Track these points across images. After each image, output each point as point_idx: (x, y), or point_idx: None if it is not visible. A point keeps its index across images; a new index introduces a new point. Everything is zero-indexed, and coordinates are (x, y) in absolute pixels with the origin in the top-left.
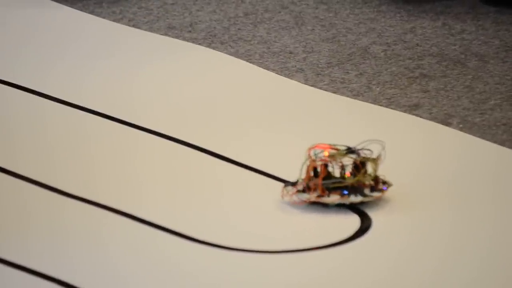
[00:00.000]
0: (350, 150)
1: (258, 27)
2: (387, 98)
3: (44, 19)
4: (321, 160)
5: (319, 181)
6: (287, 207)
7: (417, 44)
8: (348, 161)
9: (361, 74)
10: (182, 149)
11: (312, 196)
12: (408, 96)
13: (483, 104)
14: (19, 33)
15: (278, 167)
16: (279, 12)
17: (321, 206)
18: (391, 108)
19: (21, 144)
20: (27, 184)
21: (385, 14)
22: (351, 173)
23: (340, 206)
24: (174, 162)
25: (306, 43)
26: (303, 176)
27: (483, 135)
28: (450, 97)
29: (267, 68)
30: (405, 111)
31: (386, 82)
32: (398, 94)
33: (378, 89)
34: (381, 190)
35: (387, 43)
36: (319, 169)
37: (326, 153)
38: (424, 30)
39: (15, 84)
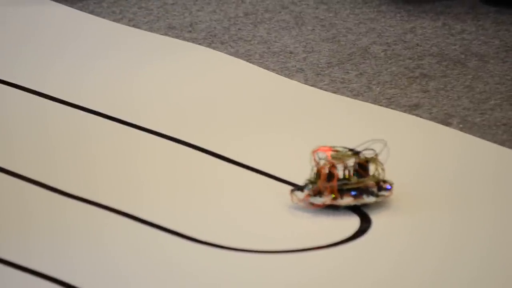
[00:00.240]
0: (355, 151)
1: (258, 27)
2: (387, 98)
3: (44, 19)
4: (330, 162)
5: (334, 183)
6: (287, 207)
7: (417, 44)
8: (351, 162)
9: (361, 74)
10: (183, 149)
11: (327, 200)
12: (408, 96)
13: (483, 104)
14: (19, 32)
15: (278, 167)
16: (279, 12)
17: (321, 206)
18: (391, 108)
19: (21, 144)
20: (28, 184)
21: (385, 14)
22: (354, 174)
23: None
24: (175, 162)
25: (306, 43)
26: (312, 179)
27: (483, 135)
28: (450, 97)
29: (267, 68)
30: (405, 111)
31: (386, 82)
32: (398, 94)
33: (378, 89)
34: (387, 189)
35: (387, 43)
36: (325, 172)
37: (332, 155)
38: (424, 30)
39: (15, 84)
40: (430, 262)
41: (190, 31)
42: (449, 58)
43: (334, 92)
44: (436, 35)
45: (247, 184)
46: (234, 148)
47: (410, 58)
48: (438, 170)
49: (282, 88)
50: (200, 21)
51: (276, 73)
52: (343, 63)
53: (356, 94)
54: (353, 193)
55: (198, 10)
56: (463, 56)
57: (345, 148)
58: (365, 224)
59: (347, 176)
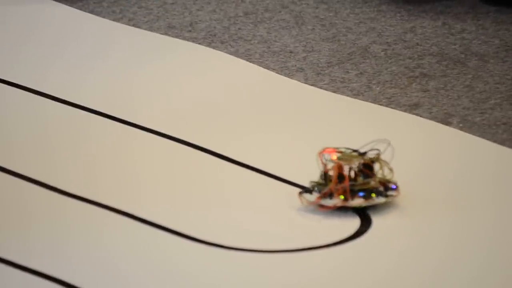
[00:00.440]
0: (359, 152)
1: (258, 26)
2: (387, 98)
3: (44, 18)
4: (339, 164)
5: (346, 184)
6: (287, 207)
7: (417, 44)
8: (356, 162)
9: (361, 73)
10: (182, 148)
11: (338, 201)
12: (408, 95)
13: (483, 104)
14: (19, 32)
15: (278, 167)
16: (279, 11)
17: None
18: (391, 108)
19: (21, 144)
20: (28, 183)
21: (385, 14)
22: (360, 175)
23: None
24: (174, 162)
25: (306, 43)
26: (319, 180)
27: (483, 135)
28: (450, 97)
29: (267, 68)
30: (405, 111)
31: (386, 81)
32: (398, 94)
33: (378, 88)
34: (393, 189)
35: (387, 42)
36: (332, 173)
37: (339, 157)
38: (424, 29)
39: (15, 84)
40: (430, 262)
41: (190, 31)
42: (449, 57)
43: (334, 92)
44: (436, 35)
45: (247, 184)
46: (234, 148)
47: (410, 58)
48: (438, 170)
49: (282, 88)
50: (200, 20)
51: (276, 73)
52: (343, 63)
53: (356, 94)
54: (361, 194)
55: (198, 10)
56: (463, 56)
57: (349, 149)
58: (365, 224)
59: (353, 177)
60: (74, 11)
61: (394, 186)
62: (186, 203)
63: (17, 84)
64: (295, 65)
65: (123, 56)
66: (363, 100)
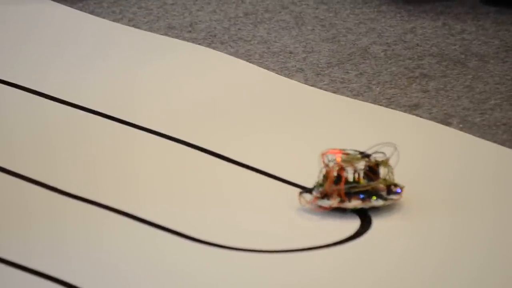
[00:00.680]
0: (364, 154)
1: (258, 27)
2: (387, 98)
3: (44, 19)
4: (339, 165)
5: (341, 186)
6: (287, 207)
7: (417, 44)
8: (361, 165)
9: (361, 74)
10: (182, 148)
11: (334, 202)
12: (408, 96)
13: (483, 104)
14: (19, 32)
15: (277, 167)
16: (279, 12)
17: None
18: (391, 108)
19: (21, 144)
20: (28, 184)
21: (385, 14)
22: (364, 177)
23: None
24: (174, 162)
25: (306, 43)
26: (320, 181)
27: (483, 135)
28: (450, 97)
29: (267, 68)
30: (405, 111)
31: (386, 82)
32: (398, 94)
33: (378, 89)
34: (397, 193)
35: (387, 43)
36: (334, 174)
37: (341, 158)
38: (424, 30)
39: (15, 84)
40: (430, 262)
41: (190, 31)
42: (449, 58)
43: (334, 92)
44: (436, 35)
45: (247, 184)
46: (234, 148)
47: (410, 58)
48: (438, 170)
49: (282, 88)
50: (200, 21)
51: (276, 73)
52: (343, 63)
53: (356, 94)
54: (361, 196)
55: (198, 10)
56: (463, 56)
57: (356, 151)
58: (365, 224)
59: (356, 179)
60: (74, 12)
61: (399, 190)
62: (185, 203)
63: (18, 84)
64: (295, 66)
65: (123, 56)
66: (363, 101)
